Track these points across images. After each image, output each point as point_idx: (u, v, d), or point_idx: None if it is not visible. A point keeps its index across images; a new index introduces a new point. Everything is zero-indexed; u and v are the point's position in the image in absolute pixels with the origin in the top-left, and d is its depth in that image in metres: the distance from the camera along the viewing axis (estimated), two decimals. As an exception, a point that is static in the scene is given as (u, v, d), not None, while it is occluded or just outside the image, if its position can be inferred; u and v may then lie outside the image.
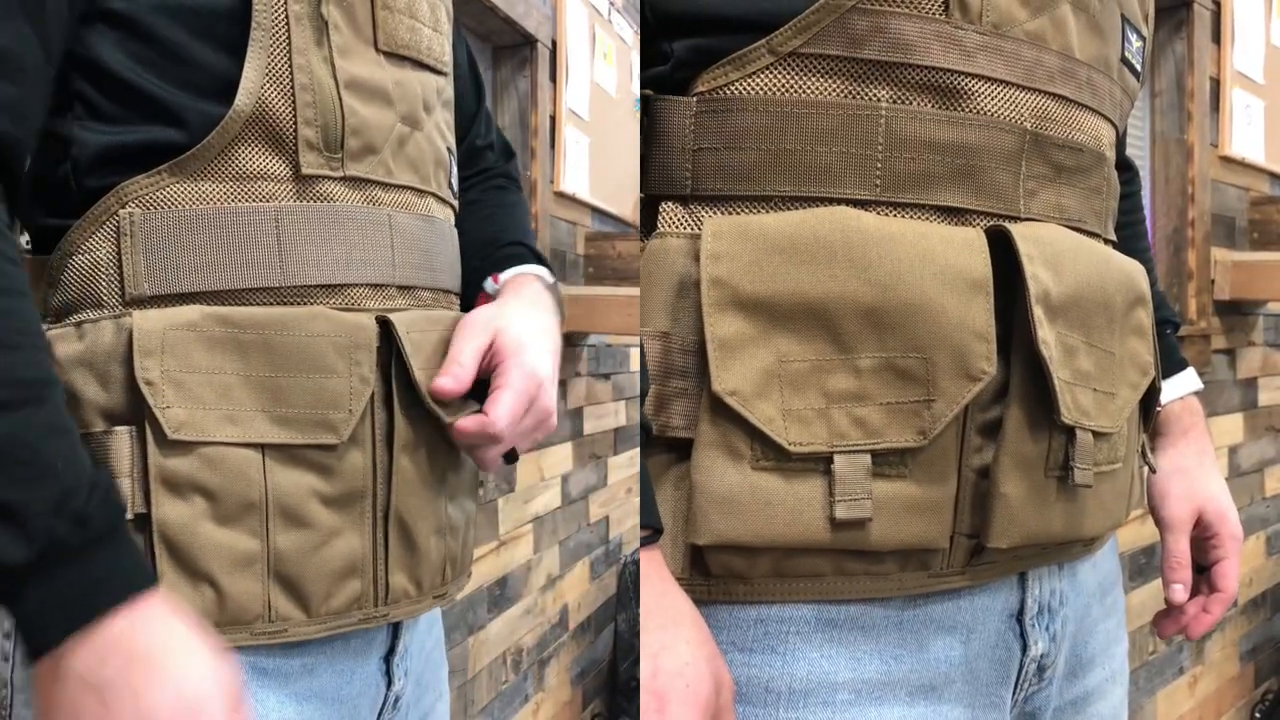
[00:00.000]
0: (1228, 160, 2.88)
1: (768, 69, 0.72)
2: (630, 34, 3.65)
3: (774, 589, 0.73)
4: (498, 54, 2.85)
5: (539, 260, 1.01)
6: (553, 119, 2.94)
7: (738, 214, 0.72)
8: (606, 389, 3.19)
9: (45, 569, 0.63)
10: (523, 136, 2.82)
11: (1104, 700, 0.90)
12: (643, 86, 0.76)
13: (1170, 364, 1.04)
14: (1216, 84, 2.86)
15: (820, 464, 0.70)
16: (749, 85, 0.72)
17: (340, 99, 0.78)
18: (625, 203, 3.48)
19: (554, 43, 2.96)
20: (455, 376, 0.83)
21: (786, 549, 0.72)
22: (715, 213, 0.73)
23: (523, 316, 0.89)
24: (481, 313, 0.89)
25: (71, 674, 0.64)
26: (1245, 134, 2.94)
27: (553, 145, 2.93)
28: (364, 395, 0.79)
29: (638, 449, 3.51)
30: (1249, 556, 2.98)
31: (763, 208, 0.72)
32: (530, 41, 2.81)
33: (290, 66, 0.77)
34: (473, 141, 1.07)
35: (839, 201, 0.72)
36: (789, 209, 0.72)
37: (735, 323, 0.70)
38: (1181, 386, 1.05)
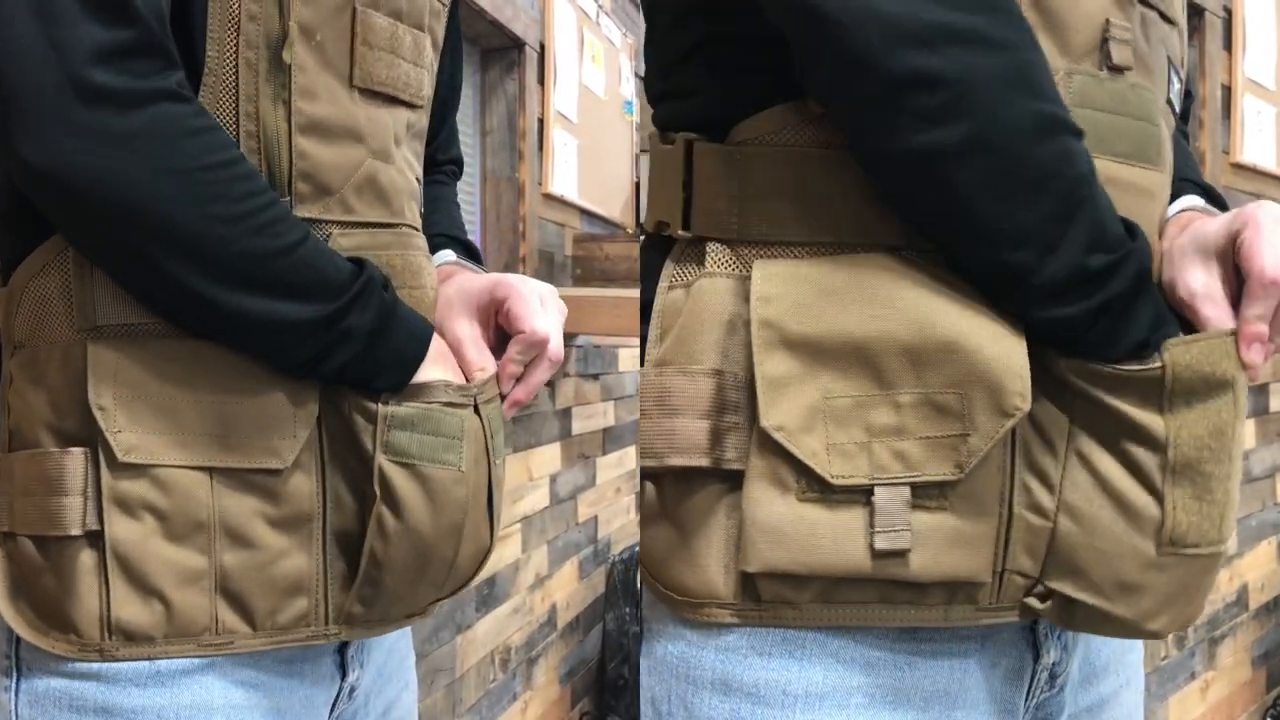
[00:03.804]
0: (1239, 167, 2.90)
1: (807, 122, 0.74)
2: (619, 36, 3.64)
3: (822, 615, 0.75)
4: (485, 57, 2.85)
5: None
6: (541, 121, 2.95)
7: (783, 258, 0.75)
8: (595, 389, 3.24)
9: None
10: (511, 139, 2.83)
11: (1118, 707, 0.90)
12: (660, 119, 0.79)
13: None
14: (1228, 91, 2.88)
15: (862, 496, 0.73)
16: (790, 137, 0.75)
17: (290, 143, 0.80)
18: (613, 204, 3.49)
19: (542, 45, 2.96)
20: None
21: (832, 578, 0.74)
22: (763, 256, 0.76)
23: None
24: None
25: None
26: (1256, 141, 2.96)
27: (541, 147, 2.93)
28: (308, 423, 0.81)
29: (625, 449, 3.52)
30: (1261, 562, 2.97)
31: (806, 252, 0.75)
32: (518, 44, 2.81)
33: (237, 114, 0.79)
34: (433, 155, 1.08)
35: (875, 247, 0.74)
36: (831, 254, 0.75)
37: (783, 361, 0.73)
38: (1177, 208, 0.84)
